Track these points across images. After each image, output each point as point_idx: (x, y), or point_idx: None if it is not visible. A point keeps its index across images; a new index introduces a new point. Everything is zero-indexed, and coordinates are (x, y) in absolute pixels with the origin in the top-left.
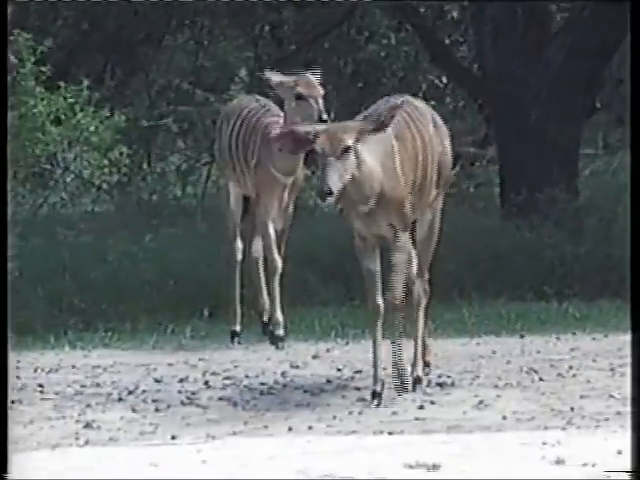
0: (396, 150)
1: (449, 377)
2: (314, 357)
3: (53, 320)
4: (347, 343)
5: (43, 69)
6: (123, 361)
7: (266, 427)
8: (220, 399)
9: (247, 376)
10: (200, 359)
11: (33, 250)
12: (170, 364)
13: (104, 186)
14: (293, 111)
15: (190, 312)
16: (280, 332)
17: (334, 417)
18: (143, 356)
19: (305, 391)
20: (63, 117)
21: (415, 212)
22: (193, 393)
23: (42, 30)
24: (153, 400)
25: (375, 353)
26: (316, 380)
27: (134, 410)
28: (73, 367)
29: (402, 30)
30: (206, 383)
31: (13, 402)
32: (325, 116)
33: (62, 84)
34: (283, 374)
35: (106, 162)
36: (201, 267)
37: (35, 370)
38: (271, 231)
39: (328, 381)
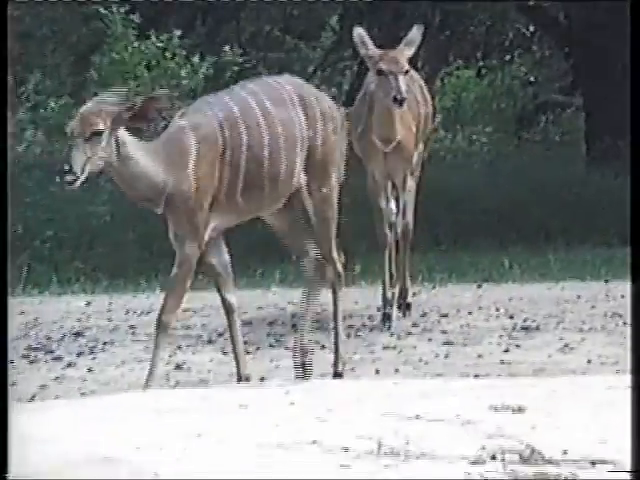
0: (193, 153)
1: (534, 321)
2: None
3: (144, 264)
4: (434, 287)
5: (133, 17)
6: (213, 304)
7: (353, 369)
8: (308, 341)
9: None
10: (288, 302)
11: (123, 195)
12: (259, 307)
13: None
14: (374, 84)
15: (278, 257)
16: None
17: (420, 360)
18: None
19: (392, 334)
20: (154, 63)
21: (264, 206)
22: (281, 336)
23: None
24: (243, 342)
25: None
26: (403, 323)
27: (224, 352)
28: None
29: None
30: (294, 326)
31: (105, 343)
32: (401, 96)
33: (152, 32)
34: (370, 317)
35: None
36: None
37: (127, 312)
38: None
39: (414, 325)
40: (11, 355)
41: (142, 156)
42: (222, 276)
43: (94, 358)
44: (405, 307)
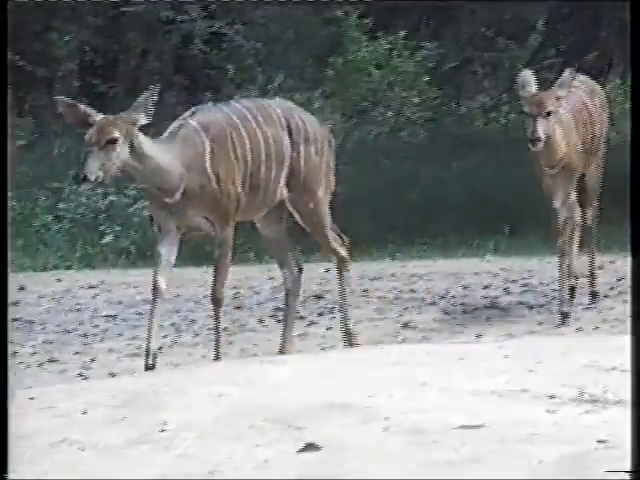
0: (208, 150)
1: None
2: (599, 268)
3: (376, 235)
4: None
5: (366, 20)
6: (435, 270)
7: (558, 327)
8: (518, 303)
9: (541, 283)
10: (501, 269)
11: (359, 176)
12: (476, 273)
13: (419, 121)
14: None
15: (493, 229)
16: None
17: (616, 319)
18: (452, 266)
19: (593, 298)
20: (383, 62)
21: (256, 209)
22: (495, 298)
23: None
24: (461, 304)
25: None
26: (601, 288)
27: (445, 312)
28: (392, 275)
29: None
30: (506, 289)
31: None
32: (535, 136)
33: (381, 34)
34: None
35: (419, 100)
36: (503, 190)
37: (361, 278)
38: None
39: (611, 288)
40: (261, 314)
41: (158, 153)
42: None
43: (332, 318)
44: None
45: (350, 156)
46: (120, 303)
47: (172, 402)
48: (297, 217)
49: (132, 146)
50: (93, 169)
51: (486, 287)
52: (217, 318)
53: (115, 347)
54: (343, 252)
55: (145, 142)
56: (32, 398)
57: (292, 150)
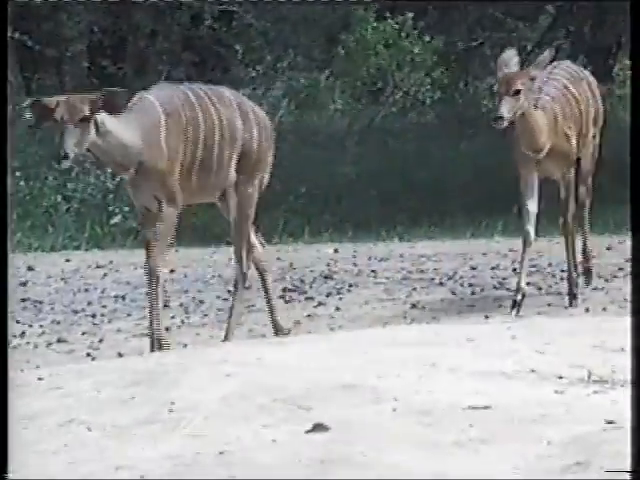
0: (163, 125)
1: None
2: (607, 248)
3: (385, 216)
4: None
5: (374, 1)
6: (444, 251)
7: (566, 308)
8: (527, 284)
9: (550, 264)
10: (509, 250)
11: (367, 157)
12: (484, 254)
13: (427, 101)
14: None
15: (501, 209)
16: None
17: (624, 299)
18: (461, 247)
19: (600, 277)
20: (391, 42)
21: (208, 191)
22: (504, 278)
23: None
24: (469, 284)
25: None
26: (610, 269)
27: (453, 293)
28: (401, 256)
29: None
30: (514, 270)
31: (350, 285)
32: (497, 114)
33: (388, 14)
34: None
35: (429, 81)
36: (511, 171)
37: (369, 258)
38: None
39: (620, 269)
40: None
41: (119, 129)
42: None
43: (341, 298)
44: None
45: (358, 137)
46: (128, 284)
47: (181, 382)
48: (231, 202)
49: (96, 123)
50: (70, 146)
51: (494, 268)
52: (151, 289)
53: (123, 327)
54: (245, 261)
55: (106, 118)
56: (41, 378)
57: (244, 132)
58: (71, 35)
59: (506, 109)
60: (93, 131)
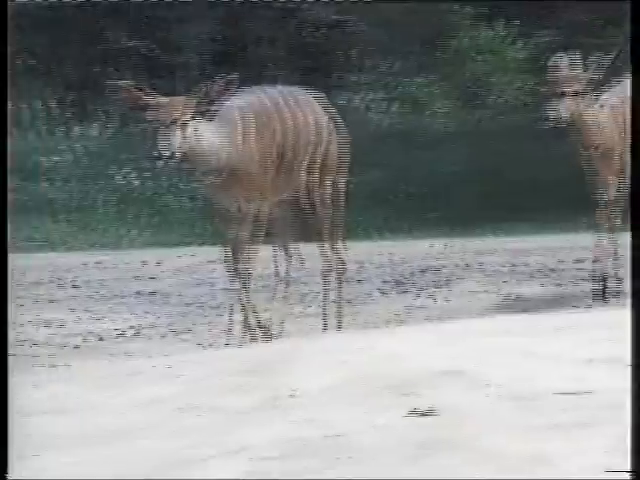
0: (253, 128)
1: None
2: None
3: (481, 214)
4: None
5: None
6: (545, 245)
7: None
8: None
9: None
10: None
11: (470, 157)
12: (582, 248)
13: (522, 105)
14: None
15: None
16: None
17: None
18: (556, 241)
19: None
20: (495, 48)
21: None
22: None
23: None
24: (564, 277)
25: None
26: None
27: (548, 285)
28: (498, 250)
29: None
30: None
31: (447, 280)
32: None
33: (488, 22)
34: None
35: (522, 85)
36: None
37: (464, 253)
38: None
39: None
40: (368, 289)
41: (212, 133)
42: None
43: (442, 291)
44: None
45: (462, 138)
46: None
47: (296, 369)
48: (315, 200)
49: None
50: (175, 146)
51: (595, 261)
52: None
53: (235, 319)
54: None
55: (201, 123)
56: (170, 366)
57: (315, 134)
58: (187, 44)
59: (564, 109)
60: (190, 134)
